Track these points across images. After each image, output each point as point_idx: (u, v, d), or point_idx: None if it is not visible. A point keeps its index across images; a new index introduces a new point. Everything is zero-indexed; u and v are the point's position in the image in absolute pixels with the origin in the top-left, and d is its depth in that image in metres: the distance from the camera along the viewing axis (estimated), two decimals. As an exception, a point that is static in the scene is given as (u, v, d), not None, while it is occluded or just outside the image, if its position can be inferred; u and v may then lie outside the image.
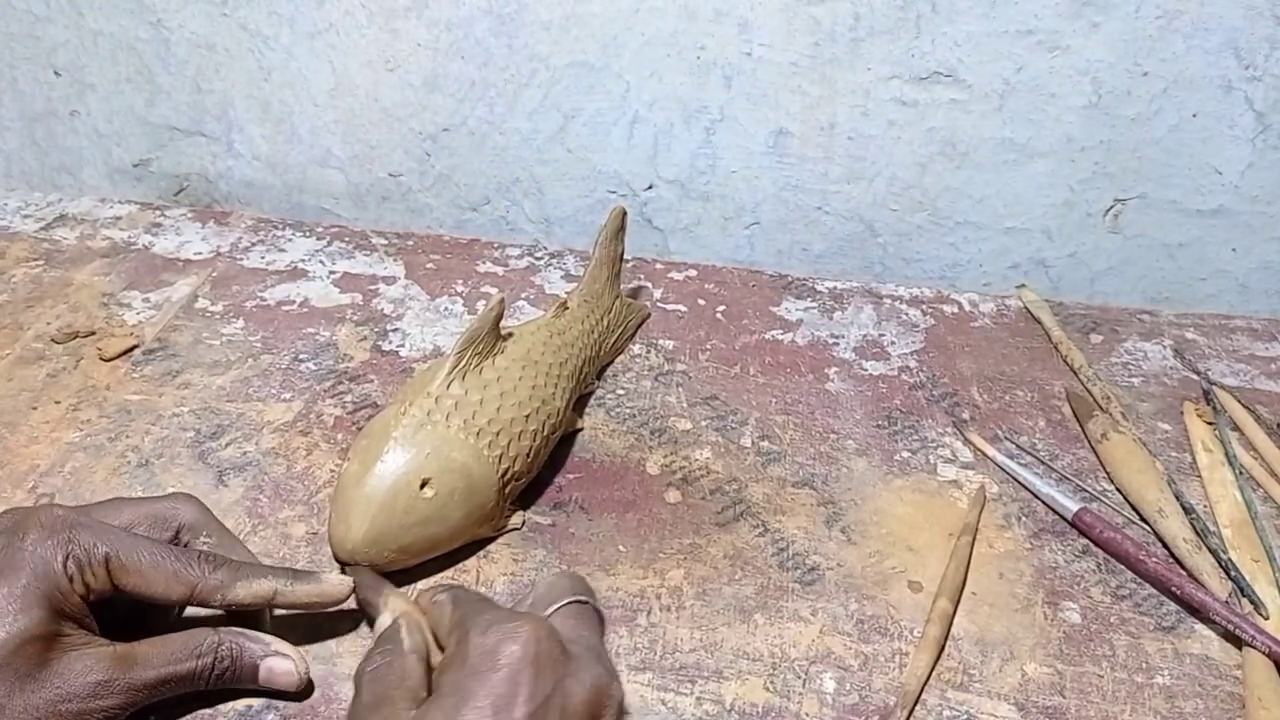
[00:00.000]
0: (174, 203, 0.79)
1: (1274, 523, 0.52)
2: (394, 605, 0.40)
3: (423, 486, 0.44)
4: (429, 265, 0.71)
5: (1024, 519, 0.52)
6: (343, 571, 0.44)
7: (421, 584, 0.46)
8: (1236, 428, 0.58)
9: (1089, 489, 0.54)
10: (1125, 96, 0.64)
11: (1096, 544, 0.50)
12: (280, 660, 0.40)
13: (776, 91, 0.67)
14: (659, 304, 0.68)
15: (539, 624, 0.34)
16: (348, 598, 0.42)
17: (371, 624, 0.41)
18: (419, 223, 0.78)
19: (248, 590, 0.39)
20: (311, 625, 0.44)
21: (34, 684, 0.34)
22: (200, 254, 0.72)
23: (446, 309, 0.67)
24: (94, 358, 0.60)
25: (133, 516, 0.40)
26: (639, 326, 0.65)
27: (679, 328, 0.66)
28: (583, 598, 0.38)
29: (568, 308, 0.57)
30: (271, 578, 0.40)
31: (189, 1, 0.70)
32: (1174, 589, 0.47)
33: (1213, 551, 0.49)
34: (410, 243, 0.74)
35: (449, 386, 0.47)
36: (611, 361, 0.62)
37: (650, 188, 0.73)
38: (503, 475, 0.47)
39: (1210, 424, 0.58)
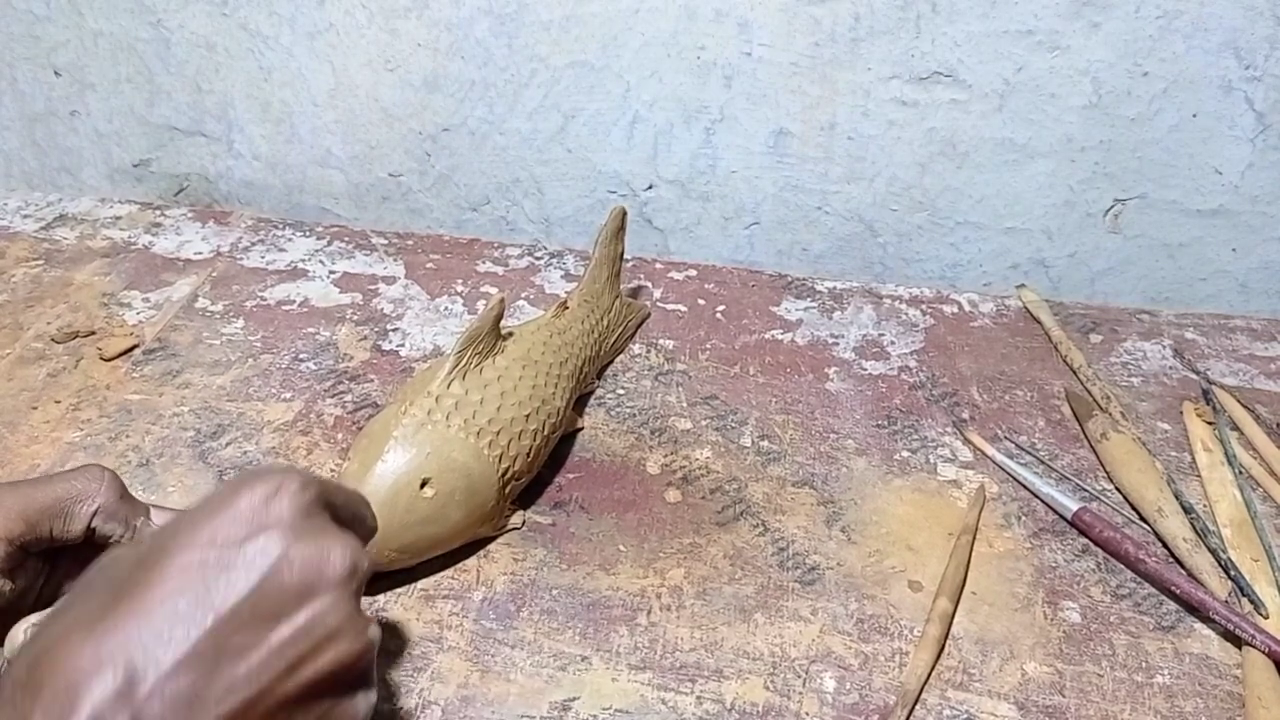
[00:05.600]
0: (174, 203, 0.79)
1: (1273, 522, 0.52)
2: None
3: (423, 486, 0.44)
4: (429, 265, 0.71)
5: (1024, 518, 0.52)
6: None
7: (421, 583, 0.46)
8: (1236, 427, 0.58)
9: (1089, 488, 0.54)
10: (1125, 96, 0.64)
11: (1096, 543, 0.50)
12: None
13: (776, 91, 0.67)
14: (659, 304, 0.68)
15: (296, 472, 0.29)
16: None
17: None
18: (419, 223, 0.78)
19: None
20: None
21: None
22: (200, 254, 0.72)
23: (446, 309, 0.67)
24: (94, 357, 0.60)
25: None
26: (639, 326, 0.65)
27: (679, 327, 0.66)
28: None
29: (568, 307, 0.57)
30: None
31: (189, 1, 0.70)
32: (1173, 588, 0.47)
33: (1212, 551, 0.49)
34: (410, 243, 0.74)
35: (449, 386, 0.47)
36: (611, 361, 0.62)
37: (650, 188, 0.73)
38: (503, 475, 0.47)
39: (1210, 424, 0.58)
